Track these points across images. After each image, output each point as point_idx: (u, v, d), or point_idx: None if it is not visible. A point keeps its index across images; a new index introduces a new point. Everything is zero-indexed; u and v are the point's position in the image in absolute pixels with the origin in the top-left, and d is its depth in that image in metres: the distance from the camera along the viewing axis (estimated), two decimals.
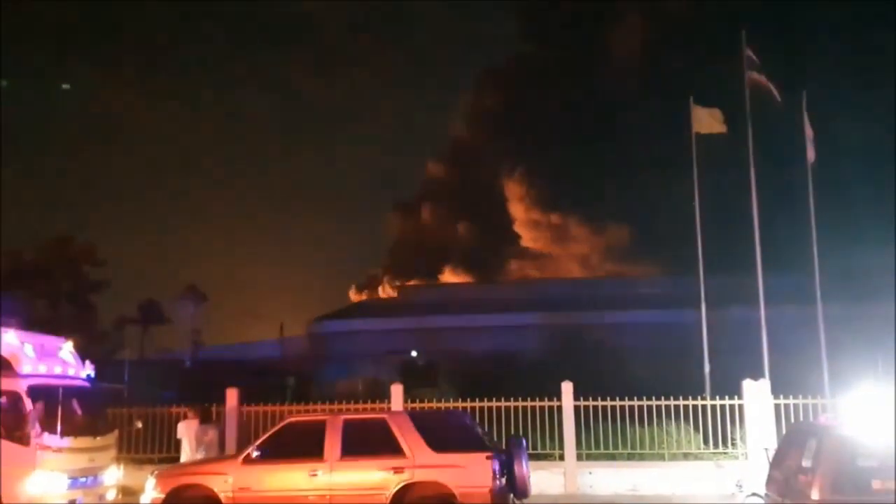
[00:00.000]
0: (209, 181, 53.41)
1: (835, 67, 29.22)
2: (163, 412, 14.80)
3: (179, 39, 54.15)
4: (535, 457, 12.47)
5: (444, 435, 10.34)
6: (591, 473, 13.78)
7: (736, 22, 17.79)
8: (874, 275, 24.81)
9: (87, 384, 11.62)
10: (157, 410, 14.91)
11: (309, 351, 30.09)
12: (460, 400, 14.62)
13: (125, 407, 14.26)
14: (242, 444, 13.42)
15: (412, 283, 39.04)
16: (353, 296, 40.98)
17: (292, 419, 11.41)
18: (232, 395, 15.14)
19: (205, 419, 13.54)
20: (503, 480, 9.96)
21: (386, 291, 39.72)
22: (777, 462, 9.18)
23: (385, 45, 56.05)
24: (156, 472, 10.89)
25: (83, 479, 10.73)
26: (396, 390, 14.62)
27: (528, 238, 39.80)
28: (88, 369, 11.77)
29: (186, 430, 13.31)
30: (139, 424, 13.20)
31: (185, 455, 13.12)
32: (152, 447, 14.58)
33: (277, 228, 52.65)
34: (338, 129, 55.34)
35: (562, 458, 13.87)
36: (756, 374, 14.08)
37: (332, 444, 10.31)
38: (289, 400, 22.08)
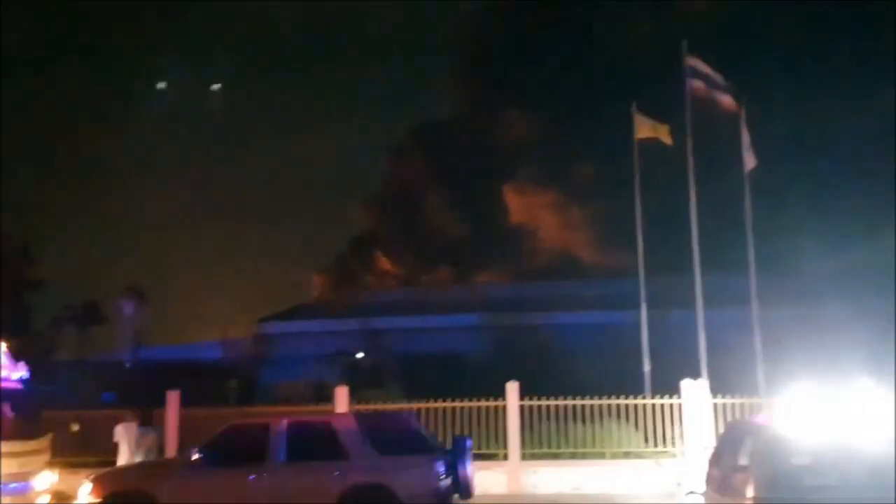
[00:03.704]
0: (155, 179, 52.14)
1: (776, 75, 29.96)
2: (101, 415, 14.46)
3: (123, 31, 52.66)
4: (479, 457, 12.53)
5: (390, 437, 10.32)
6: (535, 473, 13.93)
7: (682, 30, 18.21)
8: (808, 277, 25.64)
9: (19, 386, 11.28)
10: (94, 413, 14.57)
11: (254, 352, 29.75)
12: (406, 401, 14.62)
13: (61, 409, 13.89)
14: (183, 447, 13.20)
15: (362, 283, 38.96)
16: (313, 292, 40.73)
17: (235, 422, 11.24)
18: (173, 398, 14.88)
19: (144, 422, 13.31)
20: (448, 481, 10.00)
21: (334, 292, 39.50)
22: (715, 460, 9.40)
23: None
24: (92, 477, 10.62)
25: (13, 485, 10.42)
26: (342, 392, 14.56)
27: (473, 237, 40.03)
28: (22, 371, 11.44)
29: (124, 434, 13.05)
30: (75, 427, 12.88)
31: (123, 459, 12.86)
32: (89, 451, 14.22)
33: (228, 228, 51.70)
34: (298, 125, 54.42)
35: (506, 457, 13.99)
36: (695, 374, 14.39)
37: (276, 447, 10.20)
38: (232, 402, 21.81)
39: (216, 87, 50.69)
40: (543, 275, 32.97)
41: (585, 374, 17.26)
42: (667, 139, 16.67)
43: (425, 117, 45.73)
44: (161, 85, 50.45)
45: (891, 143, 27.22)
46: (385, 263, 41.02)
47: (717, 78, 16.27)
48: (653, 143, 16.91)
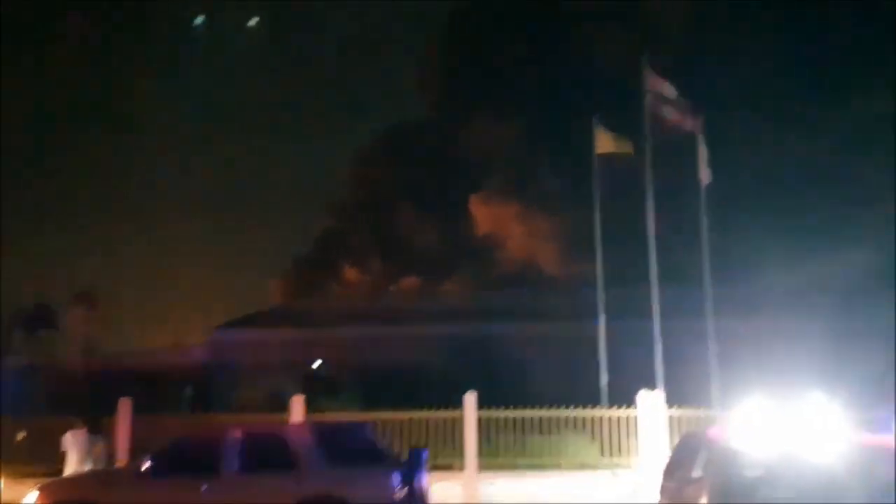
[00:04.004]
0: (112, 180, 51.09)
1: (737, 91, 30.47)
2: (49, 422, 14.10)
3: (80, 27, 51.45)
4: (436, 468, 12.48)
5: (345, 448, 10.21)
6: (492, 484, 13.91)
7: (643, 44, 18.47)
8: (763, 291, 26.05)
9: None
10: (42, 420, 14.21)
11: (210, 359, 29.33)
12: (363, 412, 14.52)
13: (6, 416, 13.53)
14: (134, 456, 12.93)
15: (321, 291, 38.66)
16: (272, 299, 40.31)
17: (188, 431, 11.04)
18: (125, 405, 14.60)
19: (94, 430, 12.99)
20: (403, 493, 9.92)
21: (293, 299, 39.13)
22: (669, 472, 9.47)
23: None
24: (38, 486, 10.35)
25: None
26: (297, 402, 14.41)
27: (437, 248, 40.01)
28: None
29: (73, 442, 12.73)
30: (21, 435, 12.55)
31: (71, 468, 12.54)
32: (36, 460, 13.84)
33: (186, 231, 50.78)
34: (264, 126, 53.68)
35: (463, 468, 13.95)
36: (652, 386, 14.53)
37: (229, 457, 10.02)
38: (186, 410, 21.47)
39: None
40: (505, 285, 33.05)
41: (544, 385, 17.34)
42: (628, 150, 16.84)
43: (393, 122, 45.46)
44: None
45: (847, 159, 27.87)
46: (347, 271, 40.79)
47: (676, 93, 16.51)
48: (614, 157, 17.10)
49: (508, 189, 36.71)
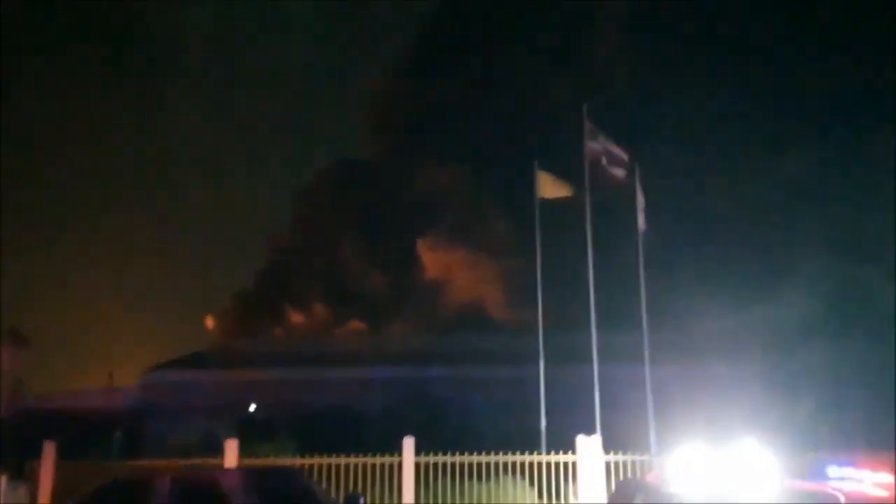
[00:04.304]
0: (44, 215, 49.78)
1: (675, 140, 31.27)
2: None
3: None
4: None
5: (278, 493, 9.98)
6: None
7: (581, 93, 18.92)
8: (699, 337, 26.54)
9: None
10: None
11: (142, 401, 28.54)
12: (299, 456, 14.25)
13: None
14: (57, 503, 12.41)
15: (260, 332, 38.06)
16: (208, 340, 39.41)
17: (116, 476, 10.65)
18: (49, 449, 14.02)
19: (15, 475, 12.46)
20: None
21: (231, 340, 38.40)
22: None
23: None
24: None
25: None
26: (231, 446, 14.07)
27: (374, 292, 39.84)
28: None
29: None
30: None
31: None
32: None
33: (122, 270, 49.56)
34: (207, 161, 52.86)
35: None
36: (590, 431, 14.59)
37: (159, 503, 9.70)
38: (115, 455, 20.76)
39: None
40: (450, 329, 33.04)
41: (484, 429, 17.27)
42: (566, 193, 17.08)
43: (339, 157, 45.30)
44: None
45: (784, 205, 28.75)
46: (288, 312, 40.28)
47: (614, 141, 16.93)
48: (557, 203, 17.35)
49: (455, 233, 36.92)
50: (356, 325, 37.50)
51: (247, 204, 51.15)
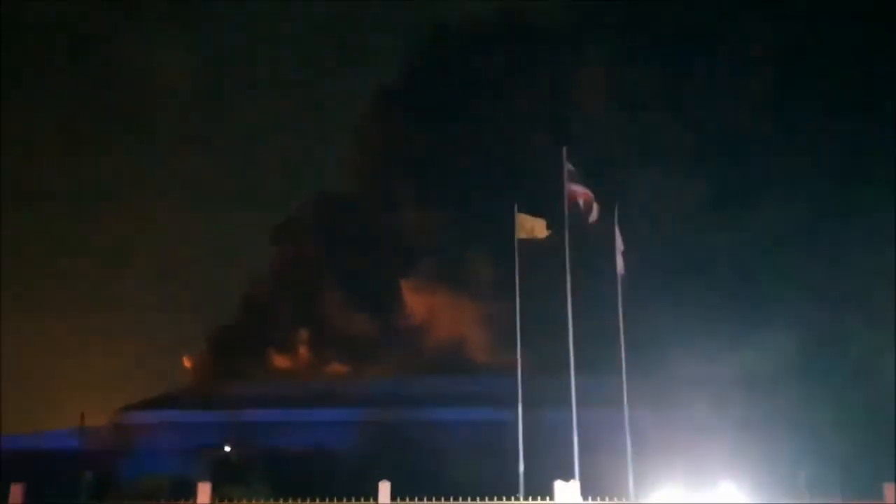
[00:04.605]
0: (15, 248, 49.07)
1: (654, 184, 31.57)
2: None
3: None
4: None
5: None
6: None
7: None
8: (677, 382, 26.55)
9: None
10: None
11: (114, 443, 27.99)
12: (273, 499, 13.99)
13: None
14: None
15: (236, 373, 37.58)
16: (183, 380, 38.83)
17: None
18: (16, 492, 13.71)
19: None
20: None
21: (206, 381, 37.87)
22: None
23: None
24: None
25: None
26: (204, 489, 13.81)
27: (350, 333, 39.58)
28: None
29: None
30: None
31: None
32: None
33: (96, 307, 48.97)
34: (187, 195, 52.46)
35: None
36: (568, 475, 14.46)
37: None
38: (85, 497, 20.28)
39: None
40: (427, 371, 32.83)
41: (461, 474, 17.05)
42: (542, 233, 17.12)
43: (320, 193, 45.04)
44: None
45: (763, 255, 29.07)
46: (267, 353, 39.81)
47: (593, 185, 17.09)
48: (540, 245, 17.39)
49: (436, 275, 36.84)
50: (334, 366, 37.20)
51: (225, 240, 50.76)
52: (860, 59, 31.32)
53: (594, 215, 17.10)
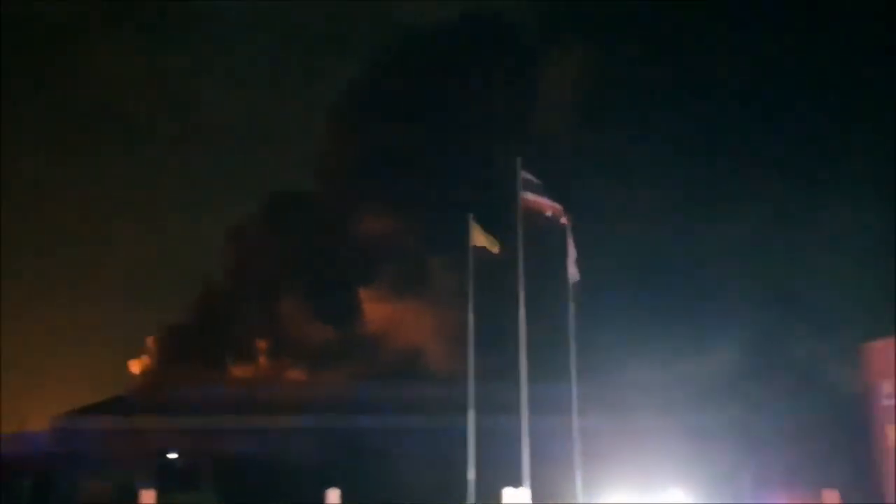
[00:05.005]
0: None
1: (609, 192, 31.83)
2: None
3: None
4: None
5: None
6: None
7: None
8: (628, 389, 26.84)
9: None
10: None
11: (56, 448, 27.28)
12: None
13: None
14: None
15: (184, 378, 36.90)
16: (130, 384, 38.02)
17: None
18: None
19: None
20: None
21: (154, 385, 37.15)
22: None
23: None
24: None
25: None
26: (148, 497, 13.54)
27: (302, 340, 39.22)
28: None
29: None
30: None
31: None
32: None
33: (40, 306, 47.67)
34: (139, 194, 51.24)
35: None
36: (517, 483, 14.51)
37: None
38: None
39: None
40: (383, 379, 32.65)
41: (411, 481, 17.00)
42: (494, 249, 17.24)
43: (275, 193, 44.44)
44: None
45: (713, 264, 29.50)
46: (218, 356, 39.19)
47: (547, 193, 17.22)
48: (490, 254, 17.47)
49: (396, 283, 36.70)
50: (290, 372, 36.82)
51: (177, 240, 49.74)
52: (813, 72, 32.01)
53: (549, 223, 17.24)
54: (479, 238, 17.26)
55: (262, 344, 38.57)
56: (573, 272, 16.99)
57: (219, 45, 52.10)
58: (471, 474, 15.51)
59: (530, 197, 17.09)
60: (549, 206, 17.27)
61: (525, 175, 17.25)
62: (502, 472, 14.81)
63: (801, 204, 29.71)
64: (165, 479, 20.03)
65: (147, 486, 14.19)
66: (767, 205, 30.24)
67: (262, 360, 38.23)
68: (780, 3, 32.89)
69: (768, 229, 29.73)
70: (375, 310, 37.29)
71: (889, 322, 18.99)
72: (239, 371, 38.19)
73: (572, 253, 17.14)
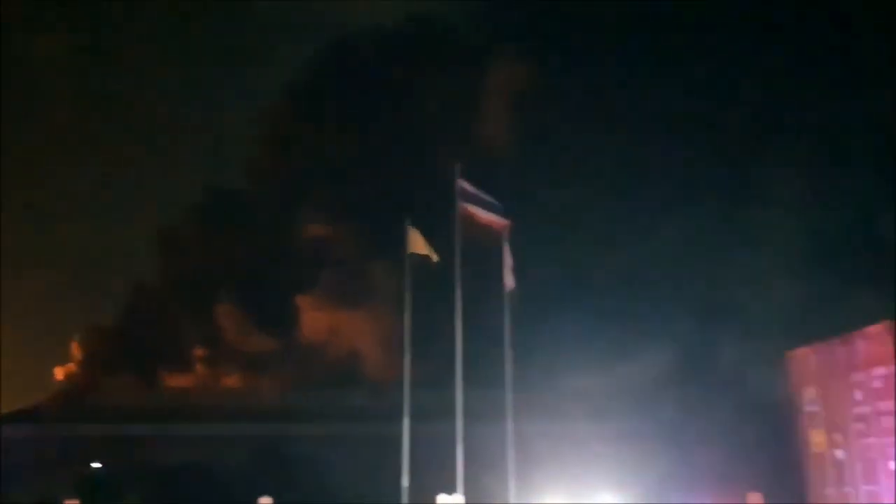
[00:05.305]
0: None
1: (541, 203, 32.08)
2: None
3: None
4: None
5: None
6: None
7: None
8: (562, 394, 27.13)
9: None
10: None
11: None
12: None
13: None
14: None
15: (110, 385, 35.87)
16: (53, 391, 36.74)
17: None
18: None
19: None
20: None
21: (78, 393, 36.02)
22: None
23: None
24: None
25: None
26: None
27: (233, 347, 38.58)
28: None
29: None
30: None
31: None
32: None
33: None
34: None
35: None
36: (451, 489, 14.51)
37: None
38: None
39: None
40: (320, 386, 32.31)
41: (345, 488, 16.84)
42: (435, 250, 17.23)
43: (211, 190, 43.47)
44: None
45: (648, 271, 29.99)
46: (144, 362, 38.18)
47: (484, 201, 17.29)
48: (428, 260, 17.44)
49: (334, 289, 36.32)
50: (218, 379, 36.12)
51: (107, 242, 48.31)
52: (736, 83, 32.79)
53: (487, 230, 17.31)
54: (418, 244, 17.23)
55: (194, 350, 37.78)
56: (509, 280, 17.08)
57: (153, 45, 51.23)
58: (405, 481, 15.46)
59: (467, 204, 17.14)
60: (485, 213, 17.36)
61: (462, 182, 17.30)
62: (437, 478, 14.78)
63: (731, 215, 30.42)
64: (89, 489, 19.46)
65: (69, 497, 13.79)
66: (700, 215, 30.86)
67: (195, 366, 37.43)
68: (704, 16, 33.60)
69: (701, 239, 30.36)
70: (313, 317, 36.89)
71: (812, 330, 19.60)
72: (170, 378, 37.32)
73: (508, 260, 17.23)
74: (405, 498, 15.08)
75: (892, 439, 15.26)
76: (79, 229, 48.61)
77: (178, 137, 50.64)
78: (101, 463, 24.18)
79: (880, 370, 15.69)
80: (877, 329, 15.92)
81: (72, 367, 38.39)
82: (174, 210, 44.37)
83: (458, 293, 16.78)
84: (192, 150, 50.36)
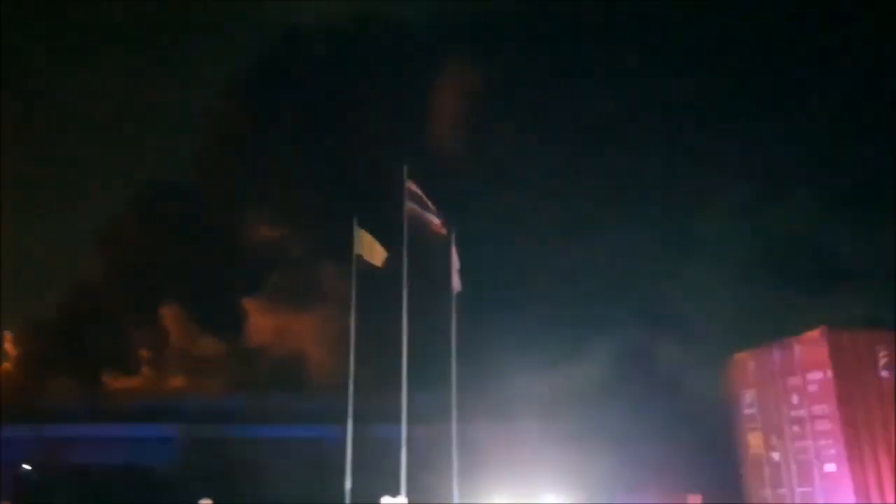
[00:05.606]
0: None
1: (492, 204, 32.15)
2: None
3: None
4: None
5: None
6: None
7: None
8: (509, 397, 27.22)
9: None
10: None
11: None
12: None
13: None
14: None
15: (41, 386, 34.86)
16: None
17: None
18: None
19: None
20: None
21: (8, 393, 34.89)
22: None
23: None
24: None
25: None
26: None
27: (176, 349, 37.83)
28: None
29: None
30: None
31: None
32: None
33: None
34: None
35: None
36: (395, 492, 14.45)
37: None
38: None
39: None
40: (264, 388, 31.86)
41: (286, 491, 16.65)
42: (383, 251, 17.15)
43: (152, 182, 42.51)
44: None
45: (593, 275, 30.25)
46: (79, 360, 37.20)
47: (432, 203, 17.28)
48: (373, 262, 17.33)
49: (281, 291, 35.86)
50: (160, 380, 35.42)
51: (44, 234, 46.83)
52: (690, 89, 33.27)
53: (434, 232, 17.30)
54: (365, 246, 17.12)
55: (136, 351, 37.02)
56: (456, 282, 17.10)
57: (97, 35, 50.03)
58: (348, 483, 15.36)
59: (415, 206, 17.11)
60: (433, 215, 17.35)
61: (410, 184, 17.26)
62: (381, 480, 14.71)
63: (675, 221, 30.86)
64: (18, 491, 18.89)
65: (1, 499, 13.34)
66: (646, 221, 31.24)
67: (136, 367, 36.68)
68: (652, 23, 34.03)
69: (645, 244, 30.74)
70: (263, 320, 36.44)
71: (753, 335, 20.01)
72: (110, 379, 36.50)
73: (455, 263, 17.25)
74: (348, 499, 14.98)
75: (827, 442, 15.66)
76: (15, 225, 47.19)
77: (122, 130, 49.49)
78: (31, 465, 23.50)
79: (816, 374, 16.10)
80: (813, 334, 16.33)
81: (7, 365, 37.34)
82: (117, 205, 43.42)
83: (405, 295, 16.73)
84: (137, 144, 49.16)
